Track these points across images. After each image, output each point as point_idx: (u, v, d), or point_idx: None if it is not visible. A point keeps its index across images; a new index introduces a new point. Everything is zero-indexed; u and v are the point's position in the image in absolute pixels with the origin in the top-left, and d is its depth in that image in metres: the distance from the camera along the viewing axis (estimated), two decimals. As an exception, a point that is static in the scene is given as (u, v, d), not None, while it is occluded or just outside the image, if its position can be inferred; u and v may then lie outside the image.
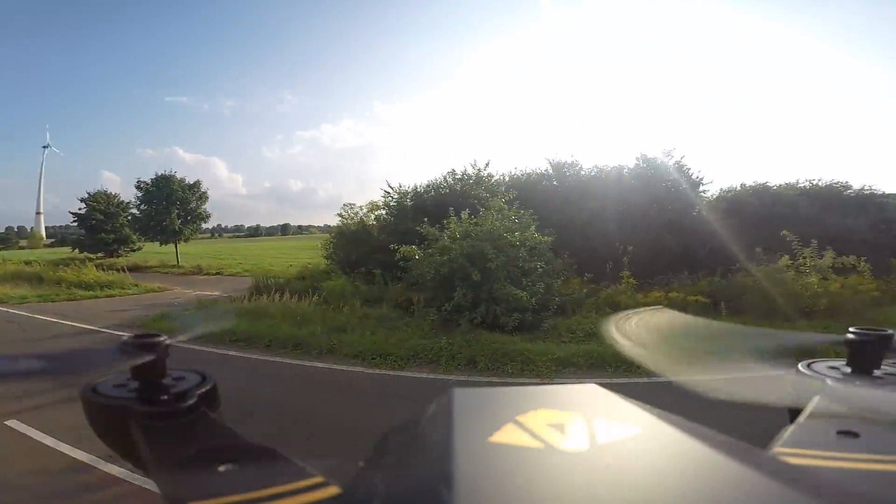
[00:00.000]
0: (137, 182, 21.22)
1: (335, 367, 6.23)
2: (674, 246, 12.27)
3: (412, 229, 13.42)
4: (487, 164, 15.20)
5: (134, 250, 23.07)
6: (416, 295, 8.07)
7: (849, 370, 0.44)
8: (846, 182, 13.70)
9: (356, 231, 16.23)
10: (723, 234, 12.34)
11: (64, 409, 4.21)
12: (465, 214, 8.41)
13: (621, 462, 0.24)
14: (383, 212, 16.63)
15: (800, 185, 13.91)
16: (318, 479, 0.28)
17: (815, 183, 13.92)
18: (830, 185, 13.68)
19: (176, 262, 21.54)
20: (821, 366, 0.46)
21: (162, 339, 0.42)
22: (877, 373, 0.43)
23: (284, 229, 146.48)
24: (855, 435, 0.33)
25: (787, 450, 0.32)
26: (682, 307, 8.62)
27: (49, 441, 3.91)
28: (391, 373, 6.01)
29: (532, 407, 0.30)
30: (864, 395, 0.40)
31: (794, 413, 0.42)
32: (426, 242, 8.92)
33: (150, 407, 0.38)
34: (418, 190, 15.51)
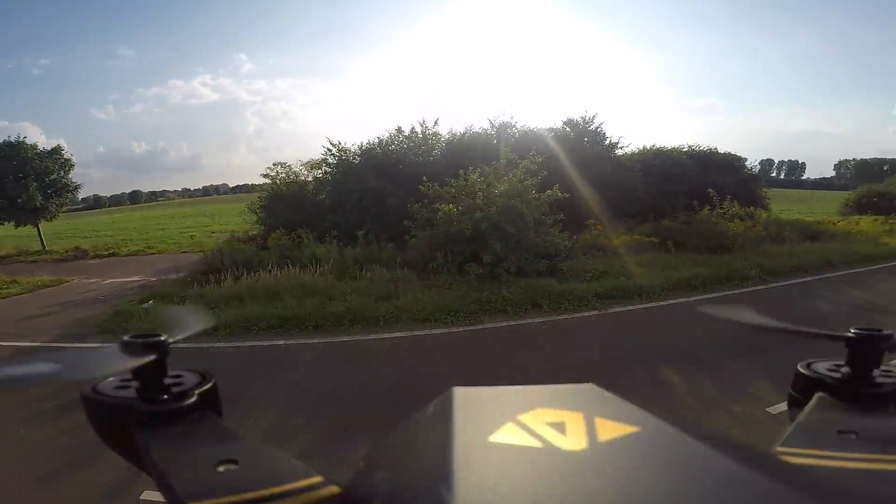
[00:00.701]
0: (-28, 153, 15.48)
1: (418, 333, 6.12)
2: (606, 197, 14.35)
3: (371, 187, 13.14)
4: (436, 123, 15.37)
5: (-41, 235, 17.00)
6: (441, 252, 8.23)
7: (848, 370, 0.45)
8: (715, 147, 17.61)
9: (293, 192, 15.04)
10: (643, 188, 15.00)
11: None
12: (475, 175, 8.74)
13: (620, 461, 0.24)
14: (319, 171, 15.69)
15: (684, 150, 17.32)
16: (318, 479, 0.29)
17: (694, 147, 17.53)
18: (706, 150, 17.36)
19: (41, 247, 16.65)
20: (820, 365, 0.46)
21: (163, 338, 0.44)
22: (876, 373, 0.44)
23: (134, 198, 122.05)
24: (855, 435, 0.34)
25: (786, 449, 0.32)
26: (642, 245, 10.58)
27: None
28: (477, 327, 6.24)
29: (532, 406, 0.31)
30: (864, 395, 0.40)
31: (793, 413, 0.43)
32: (426, 201, 9.04)
33: (150, 406, 0.39)
34: (368, 147, 14.93)
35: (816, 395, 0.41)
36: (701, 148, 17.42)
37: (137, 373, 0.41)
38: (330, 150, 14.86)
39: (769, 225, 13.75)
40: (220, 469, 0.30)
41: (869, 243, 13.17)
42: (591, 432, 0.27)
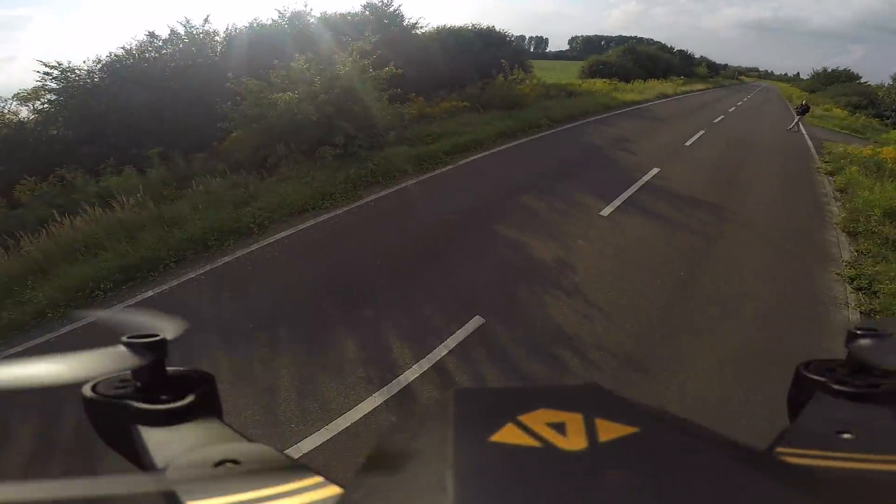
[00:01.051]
0: None
1: (304, 226, 5.75)
2: (416, 74, 14.93)
3: (136, 104, 10.60)
4: (207, 20, 12.82)
5: None
6: (281, 143, 7.53)
7: (848, 370, 0.44)
8: (492, 26, 19.97)
9: (6, 137, 11.13)
10: (443, 62, 16.02)
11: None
12: (301, 61, 7.96)
13: (620, 462, 0.24)
14: (40, 103, 11.81)
15: (470, 28, 18.98)
16: (318, 479, 0.29)
17: (476, 25, 19.43)
18: (486, 28, 19.56)
19: None
20: (819, 365, 0.45)
21: (162, 337, 0.42)
22: (876, 373, 0.42)
23: None
24: (854, 435, 0.34)
25: (786, 450, 0.32)
26: (457, 110, 12.07)
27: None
28: (361, 202, 6.31)
29: (533, 407, 0.30)
30: (864, 395, 0.39)
31: (793, 413, 0.43)
32: (239, 98, 7.92)
33: (150, 406, 0.39)
34: (111, 60, 11.60)
35: (815, 395, 0.41)
36: (482, 26, 19.37)
37: (137, 373, 0.41)
38: (48, 74, 11.22)
39: (543, 87, 16.84)
40: (220, 469, 0.31)
41: (605, 97, 18.05)
42: (592, 433, 0.27)
